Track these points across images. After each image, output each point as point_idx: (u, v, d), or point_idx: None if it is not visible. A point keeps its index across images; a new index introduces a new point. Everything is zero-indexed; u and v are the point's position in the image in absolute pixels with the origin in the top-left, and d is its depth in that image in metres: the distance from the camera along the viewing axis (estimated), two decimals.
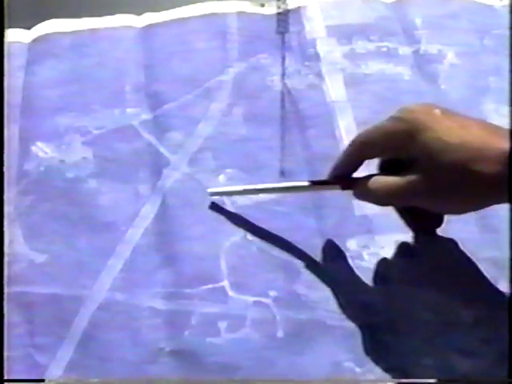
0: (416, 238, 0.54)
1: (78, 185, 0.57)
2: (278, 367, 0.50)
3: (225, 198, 0.56)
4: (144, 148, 0.59)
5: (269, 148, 0.58)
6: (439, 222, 0.52)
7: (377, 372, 0.49)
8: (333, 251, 0.54)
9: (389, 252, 0.53)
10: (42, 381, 0.48)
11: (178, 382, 0.48)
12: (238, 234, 0.55)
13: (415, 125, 0.46)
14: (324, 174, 0.56)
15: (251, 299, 0.52)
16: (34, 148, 0.59)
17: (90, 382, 0.48)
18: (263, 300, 0.52)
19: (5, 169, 0.57)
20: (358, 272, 0.53)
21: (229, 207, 0.56)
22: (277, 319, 0.51)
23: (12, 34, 0.65)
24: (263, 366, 0.50)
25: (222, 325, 0.51)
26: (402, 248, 0.53)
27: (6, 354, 0.50)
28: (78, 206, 0.56)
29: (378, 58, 0.63)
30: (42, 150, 0.59)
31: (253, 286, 0.53)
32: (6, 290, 0.51)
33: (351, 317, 0.51)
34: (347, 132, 0.59)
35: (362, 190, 0.50)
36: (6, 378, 0.48)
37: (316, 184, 0.53)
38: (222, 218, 0.55)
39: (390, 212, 0.54)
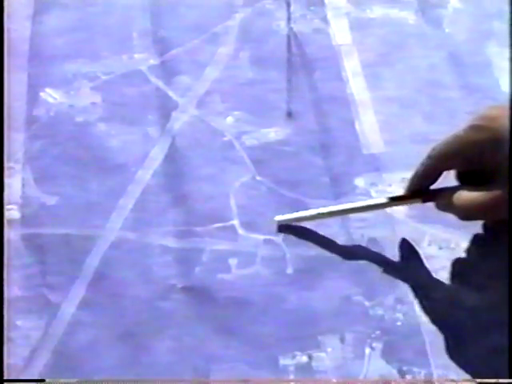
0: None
1: (87, 128, 0.56)
2: (287, 302, 0.49)
3: (233, 140, 0.55)
4: (152, 92, 0.57)
5: (276, 90, 0.57)
6: None
7: (386, 305, 0.48)
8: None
9: (396, 189, 0.52)
10: (43, 381, 0.46)
11: (179, 381, 0.47)
12: (247, 175, 0.53)
13: (499, 134, 0.43)
14: (331, 115, 0.55)
15: (261, 237, 0.51)
16: (42, 94, 0.57)
17: (91, 381, 0.46)
18: (273, 238, 0.51)
19: (12, 115, 0.56)
20: None
21: (238, 149, 0.54)
22: (286, 256, 0.50)
23: None
24: (273, 301, 0.49)
25: (233, 261, 0.50)
26: None
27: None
28: (88, 148, 0.55)
29: (382, 3, 0.62)
30: (51, 95, 0.57)
31: (262, 225, 0.51)
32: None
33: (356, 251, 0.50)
34: (353, 74, 0.57)
35: (446, 204, 0.47)
36: (6, 377, 0.47)
37: (395, 200, 0.50)
38: (231, 158, 0.54)
39: (397, 151, 0.53)
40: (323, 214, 0.51)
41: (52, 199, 0.53)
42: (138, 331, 0.48)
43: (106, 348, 0.47)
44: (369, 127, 0.55)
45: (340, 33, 0.60)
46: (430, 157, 0.47)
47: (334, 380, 0.46)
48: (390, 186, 0.52)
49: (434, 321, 0.48)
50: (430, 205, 0.49)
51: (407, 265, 0.50)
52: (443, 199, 0.47)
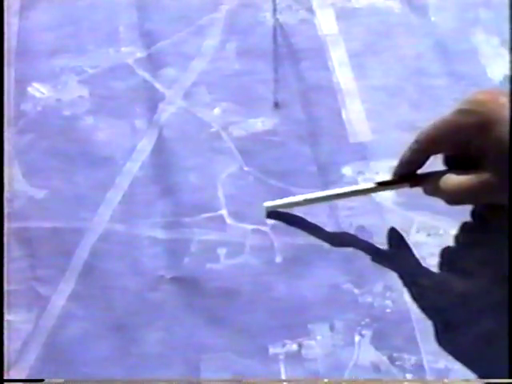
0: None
1: (75, 122, 0.56)
2: (277, 291, 0.49)
3: (220, 131, 0.55)
4: (139, 84, 0.57)
5: (262, 81, 0.57)
6: None
7: (375, 293, 0.48)
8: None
9: (383, 177, 0.52)
10: (42, 380, 0.46)
11: (179, 381, 0.47)
12: (235, 165, 0.53)
13: (486, 118, 0.43)
14: (318, 105, 0.55)
15: (249, 227, 0.51)
16: (30, 89, 0.57)
17: (91, 381, 0.46)
18: (261, 228, 0.51)
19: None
20: None
21: (225, 140, 0.54)
22: (275, 246, 0.50)
23: None
24: (262, 290, 0.49)
25: (222, 251, 0.50)
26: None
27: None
28: (76, 142, 0.55)
29: None
30: (39, 90, 0.57)
31: (250, 215, 0.51)
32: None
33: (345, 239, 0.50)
34: (340, 63, 0.57)
35: (433, 188, 0.46)
36: (5, 377, 0.47)
37: (383, 185, 0.49)
38: (218, 149, 0.54)
39: (384, 139, 0.53)
40: (311, 199, 0.50)
41: (40, 193, 0.53)
42: (128, 322, 0.48)
43: (96, 340, 0.47)
44: (355, 116, 0.55)
45: (326, 23, 0.60)
46: (417, 141, 0.47)
47: (326, 380, 0.46)
48: (378, 174, 0.52)
49: (423, 308, 0.48)
50: (418, 192, 0.49)
51: (396, 252, 0.50)
52: (431, 183, 0.47)
